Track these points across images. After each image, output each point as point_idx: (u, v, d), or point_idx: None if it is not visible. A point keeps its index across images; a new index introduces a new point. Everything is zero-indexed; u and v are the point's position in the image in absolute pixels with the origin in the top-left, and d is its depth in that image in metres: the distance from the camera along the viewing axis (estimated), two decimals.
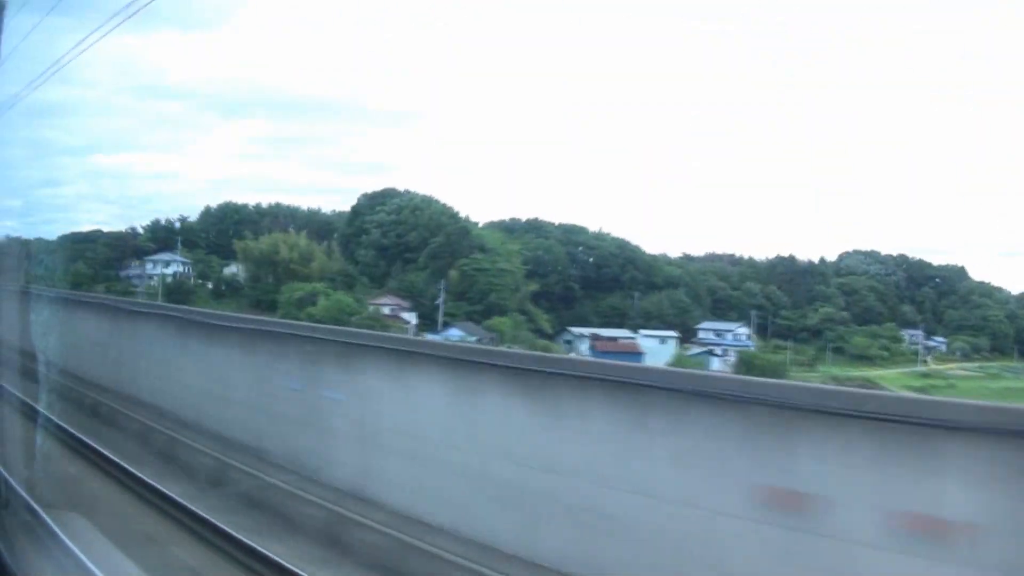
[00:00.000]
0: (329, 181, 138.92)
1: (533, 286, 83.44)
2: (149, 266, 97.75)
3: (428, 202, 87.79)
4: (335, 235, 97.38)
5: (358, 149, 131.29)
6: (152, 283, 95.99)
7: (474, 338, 68.22)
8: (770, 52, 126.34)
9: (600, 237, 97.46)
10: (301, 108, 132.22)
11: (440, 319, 75.37)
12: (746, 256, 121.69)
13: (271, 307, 77.47)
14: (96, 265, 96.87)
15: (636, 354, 74.82)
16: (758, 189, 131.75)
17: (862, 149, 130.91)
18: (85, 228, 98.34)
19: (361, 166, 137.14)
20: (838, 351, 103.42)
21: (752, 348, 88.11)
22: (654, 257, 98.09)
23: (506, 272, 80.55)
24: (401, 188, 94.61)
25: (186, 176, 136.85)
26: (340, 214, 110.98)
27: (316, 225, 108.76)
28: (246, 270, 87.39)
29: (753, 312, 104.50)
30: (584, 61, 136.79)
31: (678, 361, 69.37)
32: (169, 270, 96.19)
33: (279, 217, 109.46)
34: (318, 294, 72.72)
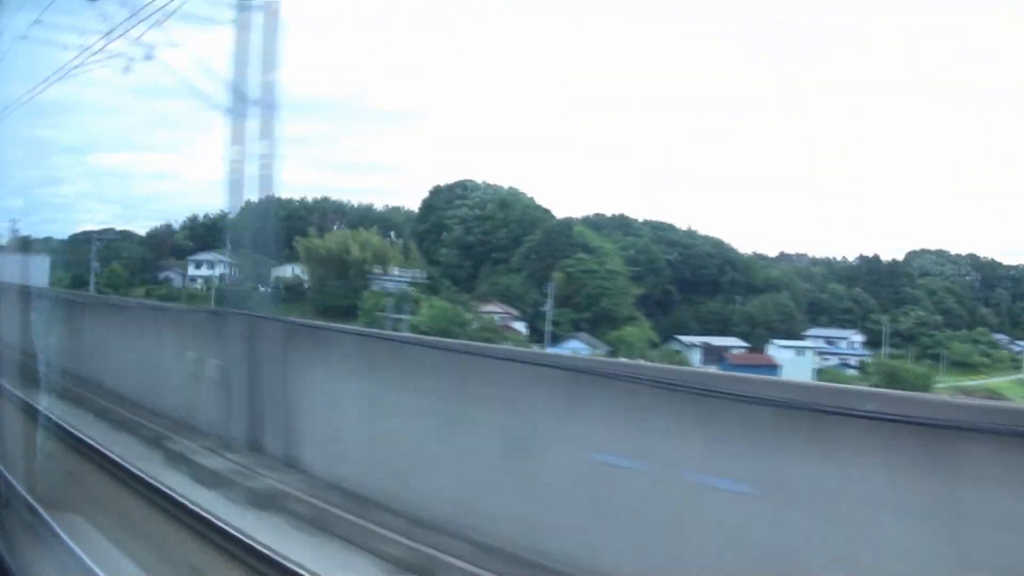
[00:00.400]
0: (330, 181, 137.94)
1: (638, 290, 74.41)
2: (191, 267, 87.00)
3: (515, 195, 78.32)
4: (393, 232, 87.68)
5: (359, 149, 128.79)
6: (195, 286, 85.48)
7: (597, 351, 59.37)
8: (769, 53, 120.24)
9: (691, 235, 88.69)
10: (302, 107, 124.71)
11: (548, 329, 66.09)
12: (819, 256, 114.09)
13: (342, 314, 67.67)
14: (132, 266, 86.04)
15: (771, 367, 66.43)
16: (760, 189, 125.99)
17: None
18: (88, 227, 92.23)
19: (364, 166, 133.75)
20: (934, 357, 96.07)
21: (869, 358, 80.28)
22: (752, 257, 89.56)
23: (616, 274, 71.47)
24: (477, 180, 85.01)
25: (186, 176, 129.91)
26: (393, 209, 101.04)
27: (369, 221, 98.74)
28: (310, 272, 77.07)
29: (843, 316, 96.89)
30: (582, 61, 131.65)
31: (835, 376, 60.91)
32: (214, 272, 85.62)
33: (328, 212, 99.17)
34: (418, 302, 63.01)
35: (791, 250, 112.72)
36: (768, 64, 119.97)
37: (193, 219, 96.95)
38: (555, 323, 68.41)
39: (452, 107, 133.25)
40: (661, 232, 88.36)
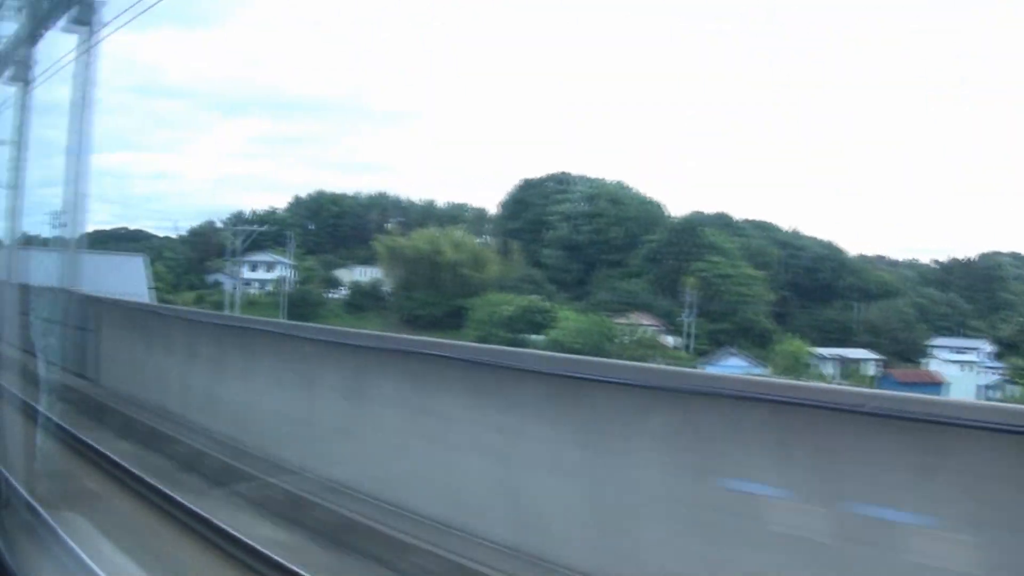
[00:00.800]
0: (330, 181, 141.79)
1: (772, 296, 66.15)
2: (245, 269, 76.76)
3: (623, 189, 69.54)
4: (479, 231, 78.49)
5: (358, 149, 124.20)
6: (250, 291, 75.19)
7: (758, 371, 51.05)
8: (767, 52, 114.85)
9: (797, 236, 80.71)
10: (300, 107, 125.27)
11: (691, 343, 57.51)
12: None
13: (432, 325, 58.44)
14: (177, 268, 75.62)
15: (934, 385, 58.67)
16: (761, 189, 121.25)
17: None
18: (88, 227, 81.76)
19: (361, 166, 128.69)
20: None
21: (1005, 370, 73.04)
22: (864, 260, 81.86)
23: (753, 279, 63.09)
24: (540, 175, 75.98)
25: (185, 176, 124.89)
26: (458, 206, 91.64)
27: (432, 219, 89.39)
28: (392, 275, 67.41)
29: (940, 323, 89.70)
30: (580, 60, 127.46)
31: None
32: (271, 274, 75.54)
33: (387, 209, 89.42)
34: (550, 312, 53.85)
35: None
36: (766, 63, 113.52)
37: (238, 216, 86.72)
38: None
39: (451, 106, 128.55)
40: (765, 232, 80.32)
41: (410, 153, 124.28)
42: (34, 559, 5.70)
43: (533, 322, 54.03)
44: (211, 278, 76.13)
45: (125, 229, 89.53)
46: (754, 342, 61.28)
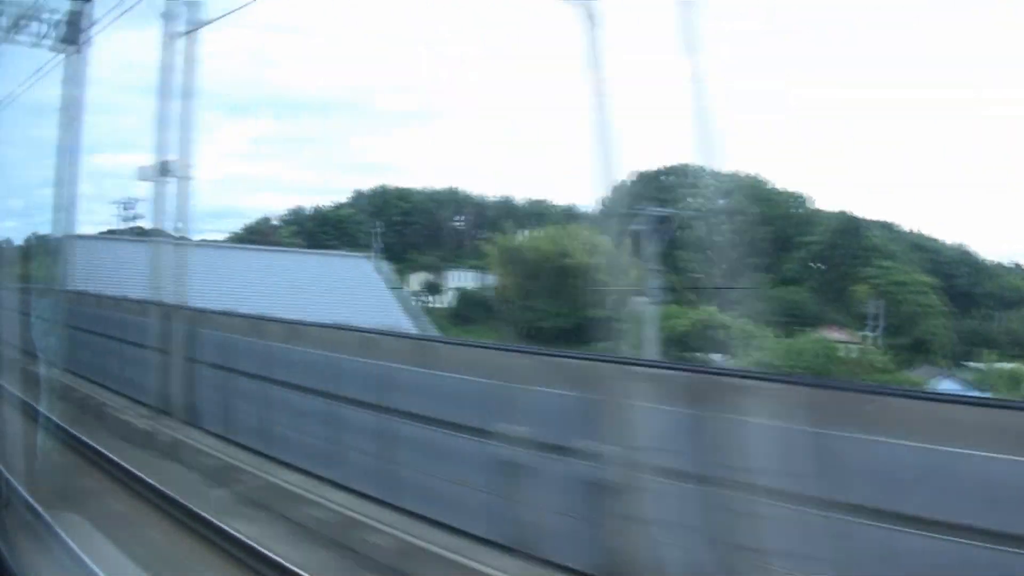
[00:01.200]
0: (332, 182, 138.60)
1: (945, 306, 58.25)
2: None
3: (759, 184, 61.18)
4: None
5: (365, 149, 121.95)
6: None
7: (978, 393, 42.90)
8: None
9: (928, 239, 73.18)
10: (307, 107, 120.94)
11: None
12: None
13: (558, 339, 49.69)
14: None
15: None
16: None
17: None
18: (87, 228, 79.64)
19: (368, 166, 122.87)
20: None
21: None
22: (997, 265, 74.58)
23: (928, 288, 55.16)
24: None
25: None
26: (538, 203, 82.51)
27: (514, 218, 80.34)
28: (508, 280, 58.08)
29: None
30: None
31: None
32: None
33: (462, 205, 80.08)
34: (728, 327, 45.00)
35: None
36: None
37: (297, 211, 76.75)
38: None
39: (460, 107, 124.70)
40: (891, 232, 72.65)
41: (423, 152, 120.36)
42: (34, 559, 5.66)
43: (710, 339, 45.28)
44: None
45: (140, 228, 78.59)
46: (936, 359, 53.39)
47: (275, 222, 74.05)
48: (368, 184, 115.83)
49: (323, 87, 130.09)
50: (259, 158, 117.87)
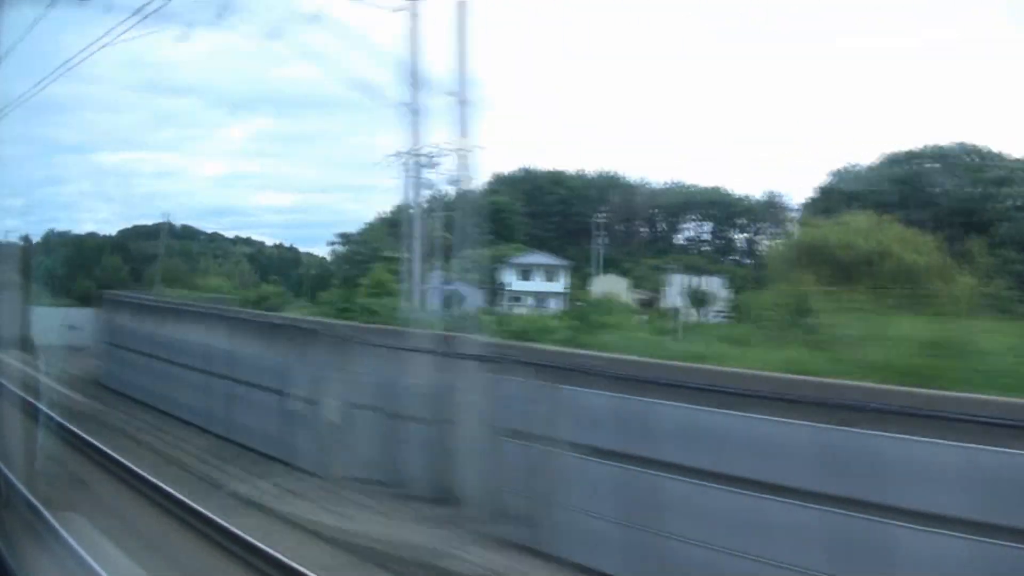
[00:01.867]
0: (336, 179, 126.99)
1: None
2: (512, 277, 52.52)
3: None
4: None
5: (367, 147, 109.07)
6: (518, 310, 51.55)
7: None
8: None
9: None
10: (308, 104, 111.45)
11: None
12: None
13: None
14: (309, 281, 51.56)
15: None
16: None
17: None
18: (89, 226, 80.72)
19: (371, 165, 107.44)
20: None
21: None
22: None
23: None
24: None
25: (188, 174, 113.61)
26: (713, 190, 67.41)
27: (692, 208, 65.75)
28: (804, 286, 43.30)
29: None
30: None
31: None
32: (551, 285, 50.97)
33: (631, 192, 65.34)
34: None
35: None
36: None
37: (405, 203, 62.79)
38: None
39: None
40: None
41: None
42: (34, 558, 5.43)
43: None
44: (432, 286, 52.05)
45: (169, 223, 63.23)
46: None
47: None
48: (368, 183, 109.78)
49: (321, 84, 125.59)
50: (261, 155, 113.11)
